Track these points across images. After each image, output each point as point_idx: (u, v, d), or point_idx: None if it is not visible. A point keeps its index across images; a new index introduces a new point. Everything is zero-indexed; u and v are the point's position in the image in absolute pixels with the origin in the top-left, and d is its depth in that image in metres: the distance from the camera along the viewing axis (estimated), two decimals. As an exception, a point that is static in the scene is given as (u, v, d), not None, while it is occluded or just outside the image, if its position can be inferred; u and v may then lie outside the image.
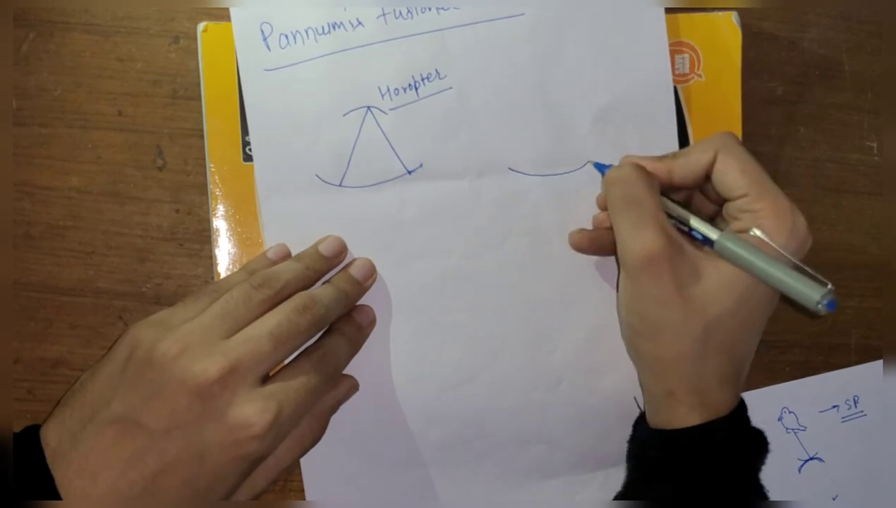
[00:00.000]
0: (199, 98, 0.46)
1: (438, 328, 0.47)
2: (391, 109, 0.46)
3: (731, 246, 0.40)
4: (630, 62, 0.47)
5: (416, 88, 0.46)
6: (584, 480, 0.49)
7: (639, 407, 0.46)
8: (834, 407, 0.52)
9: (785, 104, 0.51)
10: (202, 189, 0.47)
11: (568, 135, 0.47)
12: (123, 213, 0.48)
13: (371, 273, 0.46)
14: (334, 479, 0.47)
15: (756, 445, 0.43)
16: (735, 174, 0.41)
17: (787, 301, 0.41)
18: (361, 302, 0.46)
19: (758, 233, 0.40)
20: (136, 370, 0.37)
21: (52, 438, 0.37)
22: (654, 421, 0.43)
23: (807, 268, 0.40)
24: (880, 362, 0.51)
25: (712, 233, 0.41)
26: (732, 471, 0.41)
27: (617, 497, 0.45)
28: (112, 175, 0.47)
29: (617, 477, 0.46)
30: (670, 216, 0.43)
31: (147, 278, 0.48)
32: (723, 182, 0.42)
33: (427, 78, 0.46)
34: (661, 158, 0.44)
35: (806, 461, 0.51)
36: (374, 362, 0.46)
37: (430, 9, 0.45)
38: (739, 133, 0.49)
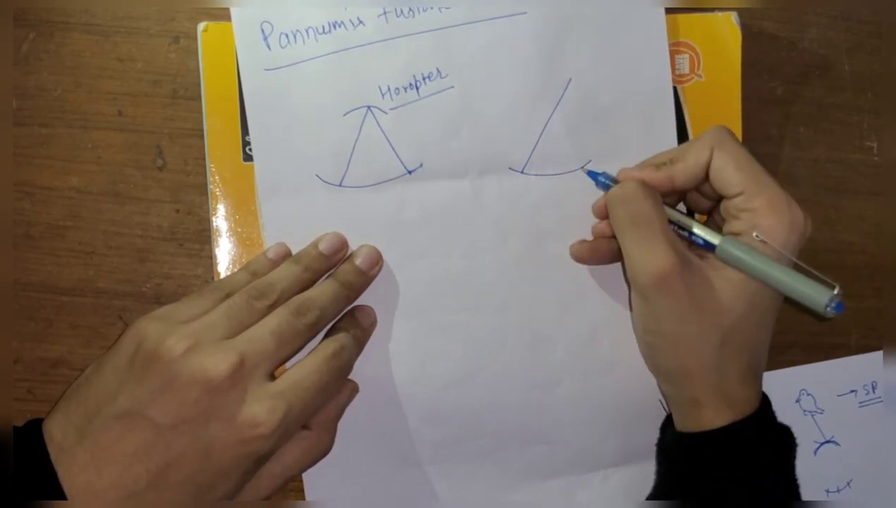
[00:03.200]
0: (199, 98, 0.46)
1: (438, 328, 0.47)
2: (392, 109, 0.46)
3: (734, 251, 0.40)
4: (630, 62, 0.47)
5: (417, 88, 0.46)
6: (583, 480, 0.49)
7: (664, 409, 0.46)
8: (852, 391, 0.52)
9: (785, 104, 0.51)
10: (202, 189, 0.47)
11: (568, 134, 0.47)
12: (123, 213, 0.48)
13: (377, 261, 0.45)
14: (334, 479, 0.47)
15: (785, 441, 0.43)
16: (731, 171, 0.41)
17: (790, 300, 0.41)
18: (362, 301, 0.46)
19: (758, 235, 0.40)
20: (142, 364, 0.37)
21: (57, 432, 0.37)
22: (682, 425, 0.43)
23: (811, 270, 0.40)
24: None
25: (714, 239, 0.42)
26: (766, 469, 0.41)
27: (651, 498, 0.45)
28: (112, 175, 0.47)
29: (617, 477, 0.46)
30: (670, 222, 0.43)
31: (147, 278, 0.48)
32: (719, 179, 0.42)
33: (428, 77, 0.46)
34: (660, 167, 0.43)
35: (822, 444, 0.52)
36: (375, 362, 0.46)
37: (431, 8, 0.45)
38: (739, 133, 0.49)
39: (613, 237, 0.44)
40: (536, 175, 0.47)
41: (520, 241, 0.47)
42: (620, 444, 0.49)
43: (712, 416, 0.41)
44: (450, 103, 0.46)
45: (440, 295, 0.47)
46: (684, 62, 0.49)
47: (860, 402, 0.52)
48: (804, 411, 0.51)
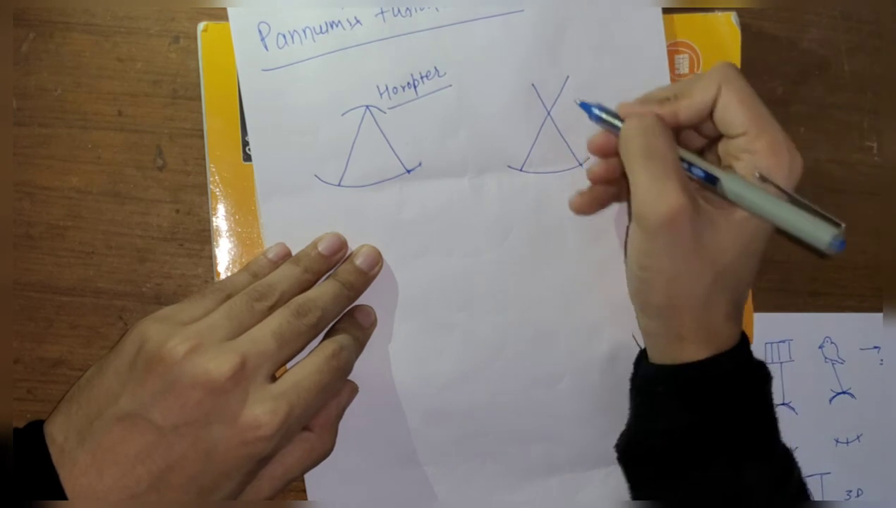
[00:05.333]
0: (199, 98, 0.46)
1: (439, 327, 0.47)
2: (390, 108, 0.46)
3: (739, 188, 0.40)
4: (628, 61, 0.47)
5: (415, 86, 0.46)
6: (585, 477, 0.49)
7: (637, 345, 0.45)
8: (875, 347, 0.51)
9: (785, 104, 0.51)
10: (202, 189, 0.47)
11: (567, 132, 0.47)
12: (123, 213, 0.48)
13: (377, 261, 0.45)
14: (335, 479, 0.47)
15: (762, 373, 0.43)
16: (735, 110, 0.40)
17: (791, 238, 0.40)
18: (362, 301, 0.46)
19: (759, 174, 0.40)
20: (144, 366, 0.37)
21: (58, 434, 0.37)
22: (659, 359, 0.43)
23: (815, 208, 0.39)
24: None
25: (718, 174, 0.41)
26: (746, 399, 0.41)
27: (624, 436, 0.45)
28: (112, 175, 0.48)
29: (619, 474, 0.46)
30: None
31: (147, 278, 0.48)
32: (723, 118, 0.41)
33: (426, 76, 0.46)
34: (663, 102, 0.42)
35: (838, 394, 0.51)
36: (375, 361, 0.46)
37: (427, 7, 0.45)
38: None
39: (611, 183, 0.44)
40: (535, 173, 0.47)
41: (519, 239, 0.47)
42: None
43: (693, 351, 0.41)
44: (448, 102, 0.46)
45: (440, 295, 0.47)
46: (684, 62, 0.49)
47: (882, 359, 0.51)
48: (825, 358, 0.51)
